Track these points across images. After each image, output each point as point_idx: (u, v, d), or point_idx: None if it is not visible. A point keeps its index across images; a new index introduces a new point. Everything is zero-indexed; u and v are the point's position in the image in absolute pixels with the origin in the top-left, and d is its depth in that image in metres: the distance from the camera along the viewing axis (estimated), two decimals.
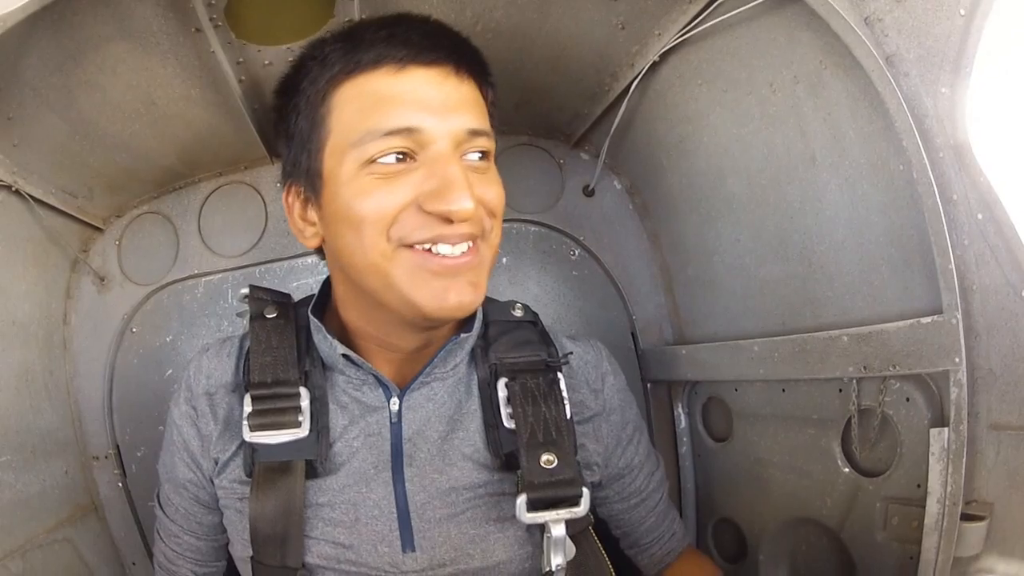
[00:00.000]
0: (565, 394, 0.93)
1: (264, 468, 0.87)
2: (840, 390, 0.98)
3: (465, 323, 0.95)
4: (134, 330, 1.43)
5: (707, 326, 1.34)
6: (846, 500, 0.99)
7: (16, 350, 1.19)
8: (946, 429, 0.79)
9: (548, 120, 1.44)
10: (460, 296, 0.81)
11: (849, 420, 0.97)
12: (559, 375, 0.95)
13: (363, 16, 0.98)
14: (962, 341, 0.76)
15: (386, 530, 0.87)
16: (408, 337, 0.91)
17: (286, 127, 0.89)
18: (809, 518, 1.07)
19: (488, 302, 1.00)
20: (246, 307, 0.97)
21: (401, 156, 0.80)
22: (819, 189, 0.97)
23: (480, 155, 0.85)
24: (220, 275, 1.45)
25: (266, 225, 1.45)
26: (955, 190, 0.75)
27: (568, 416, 0.92)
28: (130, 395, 1.41)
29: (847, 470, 0.99)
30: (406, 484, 0.89)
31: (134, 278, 1.43)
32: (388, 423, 0.91)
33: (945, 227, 0.75)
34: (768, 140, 1.03)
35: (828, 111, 0.91)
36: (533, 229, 1.50)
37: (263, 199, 1.45)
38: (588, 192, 1.50)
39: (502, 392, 0.92)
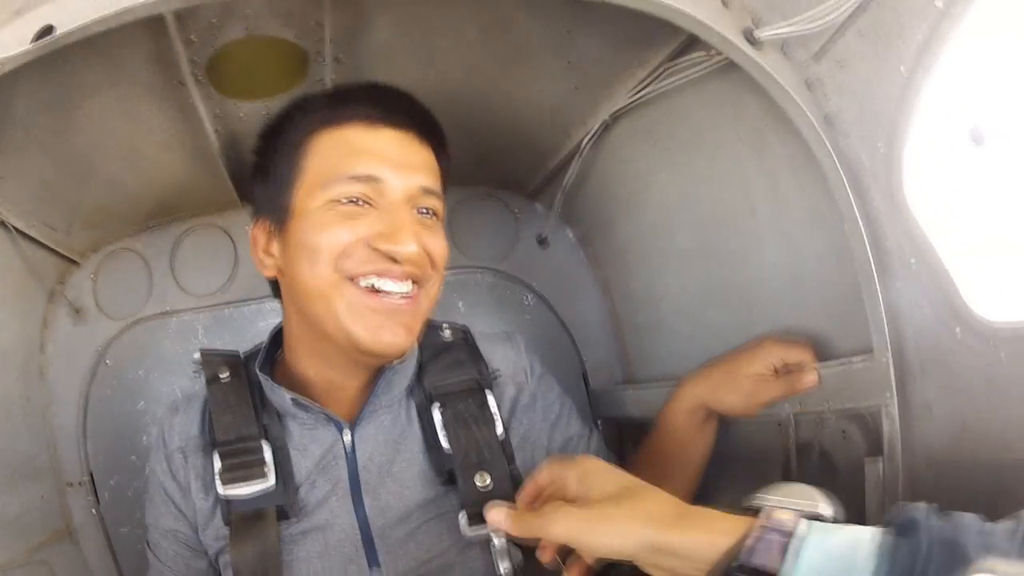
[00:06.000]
0: (495, 411, 1.02)
1: (239, 517, 0.94)
2: (779, 424, 1.03)
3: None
4: (108, 363, 1.43)
5: (655, 367, 1.40)
6: None
7: None
8: (880, 459, 0.84)
9: (506, 173, 1.50)
10: (394, 336, 0.91)
11: (788, 455, 1.02)
12: (487, 394, 1.03)
13: (333, 77, 1.06)
14: (892, 378, 0.82)
15: (352, 552, 0.96)
16: (352, 372, 1.00)
17: (264, 166, 1.00)
18: None
19: None
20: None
21: (360, 201, 0.91)
22: (759, 241, 1.04)
23: (429, 212, 0.97)
24: (191, 313, 1.47)
25: (236, 267, 1.48)
26: (889, 238, 0.80)
27: (499, 434, 1.01)
28: (104, 424, 1.42)
29: None
30: (366, 509, 0.97)
31: (108, 312, 1.44)
32: (344, 455, 0.99)
33: (875, 274, 0.81)
34: (714, 196, 1.10)
35: (769, 169, 0.97)
36: (489, 278, 1.55)
37: (233, 242, 1.49)
38: (542, 241, 1.56)
39: (437, 417, 1.00)
